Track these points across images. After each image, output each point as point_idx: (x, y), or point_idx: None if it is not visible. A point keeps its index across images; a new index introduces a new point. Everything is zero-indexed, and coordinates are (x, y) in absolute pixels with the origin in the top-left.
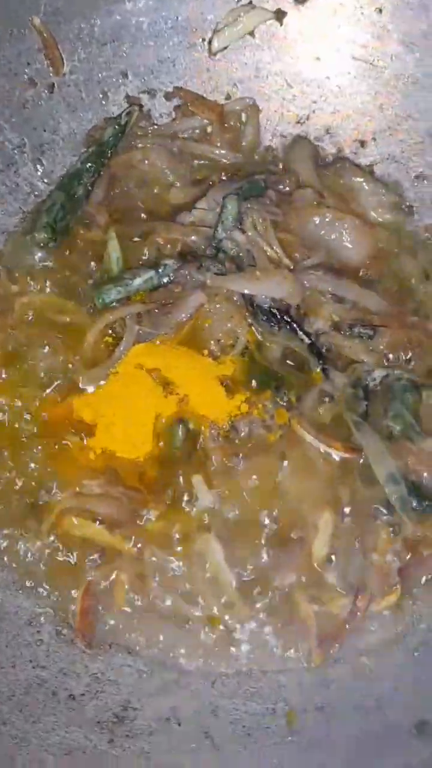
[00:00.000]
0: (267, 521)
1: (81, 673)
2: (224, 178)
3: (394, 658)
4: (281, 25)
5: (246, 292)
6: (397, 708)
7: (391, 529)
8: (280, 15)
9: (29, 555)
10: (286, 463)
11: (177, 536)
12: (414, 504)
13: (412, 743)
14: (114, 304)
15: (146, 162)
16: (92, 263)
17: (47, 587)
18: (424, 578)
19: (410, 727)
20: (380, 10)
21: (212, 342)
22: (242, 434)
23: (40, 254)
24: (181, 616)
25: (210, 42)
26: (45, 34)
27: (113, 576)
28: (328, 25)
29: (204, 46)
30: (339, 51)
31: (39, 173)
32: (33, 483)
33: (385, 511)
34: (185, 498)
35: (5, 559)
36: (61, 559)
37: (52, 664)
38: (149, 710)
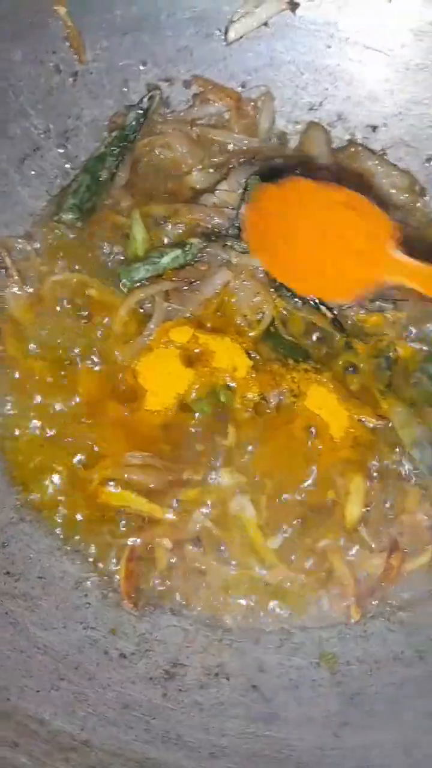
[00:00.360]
0: (299, 486)
1: (129, 633)
2: (242, 161)
3: (430, 611)
4: (294, 15)
5: None
6: None
7: (423, 492)
8: (293, 5)
9: (72, 521)
10: (314, 430)
11: (212, 502)
12: None
13: None
14: (143, 282)
15: (167, 147)
16: (118, 245)
17: (91, 553)
18: None
19: None
20: (390, 0)
21: (239, 317)
22: (272, 404)
23: (67, 235)
24: (221, 577)
25: (226, 32)
26: (69, 23)
27: (154, 541)
28: (339, 15)
29: (220, 36)
30: (349, 40)
31: (64, 158)
32: (73, 453)
33: (413, 475)
34: (219, 467)
35: (49, 525)
36: (102, 525)
37: (101, 625)
38: (198, 666)
